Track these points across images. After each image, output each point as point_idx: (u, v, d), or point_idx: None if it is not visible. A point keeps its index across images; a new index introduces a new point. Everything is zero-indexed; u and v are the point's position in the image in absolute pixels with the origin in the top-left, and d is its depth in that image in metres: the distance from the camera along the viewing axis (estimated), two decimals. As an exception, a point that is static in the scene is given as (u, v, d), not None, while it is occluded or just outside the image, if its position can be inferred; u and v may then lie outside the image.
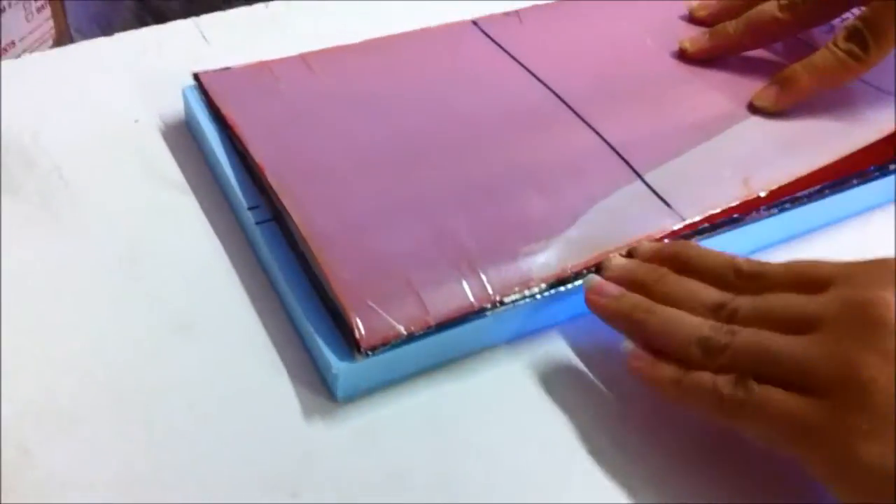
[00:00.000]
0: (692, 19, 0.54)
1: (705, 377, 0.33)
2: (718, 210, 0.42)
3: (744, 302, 0.35)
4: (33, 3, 1.08)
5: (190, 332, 0.38)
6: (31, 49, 1.09)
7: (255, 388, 0.37)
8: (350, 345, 0.36)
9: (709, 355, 0.34)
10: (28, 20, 1.08)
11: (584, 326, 0.40)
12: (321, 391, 0.37)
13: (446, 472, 0.35)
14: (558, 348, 0.39)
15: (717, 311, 0.35)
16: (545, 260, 0.39)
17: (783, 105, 0.47)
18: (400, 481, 0.34)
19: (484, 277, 0.38)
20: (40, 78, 0.50)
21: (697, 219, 0.42)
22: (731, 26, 0.50)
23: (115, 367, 0.37)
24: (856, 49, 0.46)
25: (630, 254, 0.40)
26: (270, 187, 0.41)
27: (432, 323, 0.37)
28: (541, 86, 0.48)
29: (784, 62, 0.50)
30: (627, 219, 0.41)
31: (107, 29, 1.21)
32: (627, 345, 0.36)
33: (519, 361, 0.39)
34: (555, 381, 0.38)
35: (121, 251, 0.41)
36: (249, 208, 0.42)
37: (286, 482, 0.34)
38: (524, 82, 0.48)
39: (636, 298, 0.37)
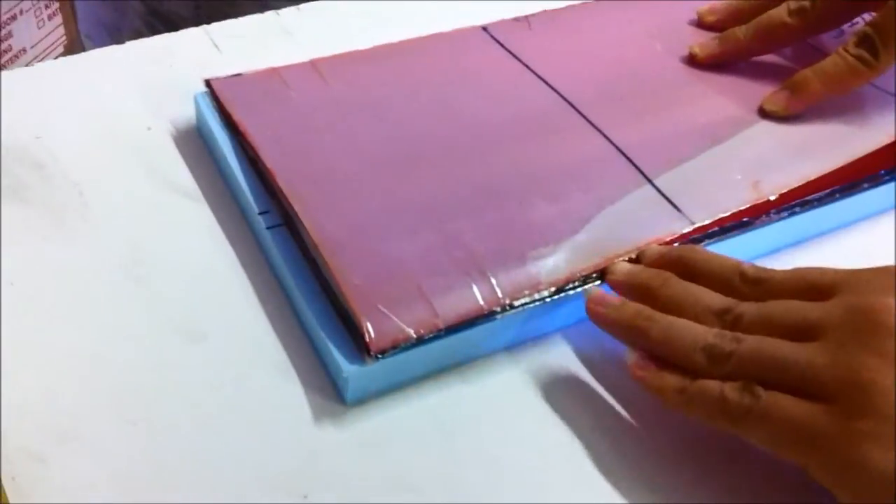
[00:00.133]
0: (701, 24, 0.54)
1: (711, 384, 0.33)
2: (728, 214, 0.42)
3: (748, 308, 0.35)
4: (45, 10, 1.09)
5: (201, 336, 0.38)
6: (42, 56, 1.10)
7: (265, 392, 0.37)
8: (360, 348, 0.36)
9: (714, 362, 0.34)
10: (39, 27, 1.09)
11: (594, 330, 0.40)
12: (331, 395, 0.37)
13: (454, 475, 0.35)
14: (567, 351, 0.39)
15: (721, 317, 0.35)
16: (554, 263, 0.39)
17: (794, 110, 0.47)
18: (408, 484, 0.34)
19: (493, 281, 0.38)
20: (52, 86, 0.50)
21: (707, 222, 0.42)
22: (740, 31, 0.50)
23: (127, 370, 0.37)
24: (866, 55, 0.46)
25: (637, 258, 0.40)
26: (281, 192, 0.41)
27: (442, 326, 0.37)
28: (550, 90, 0.48)
29: (793, 67, 0.50)
30: (637, 222, 0.41)
31: (116, 35, 1.21)
32: (630, 354, 0.36)
33: (528, 365, 0.39)
34: (563, 384, 0.38)
35: (132, 257, 0.41)
36: (260, 213, 0.42)
37: (297, 484, 0.34)
38: (534, 87, 0.49)
39: (637, 307, 0.37)
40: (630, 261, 0.40)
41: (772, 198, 0.43)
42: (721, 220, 0.42)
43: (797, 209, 0.43)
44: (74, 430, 0.35)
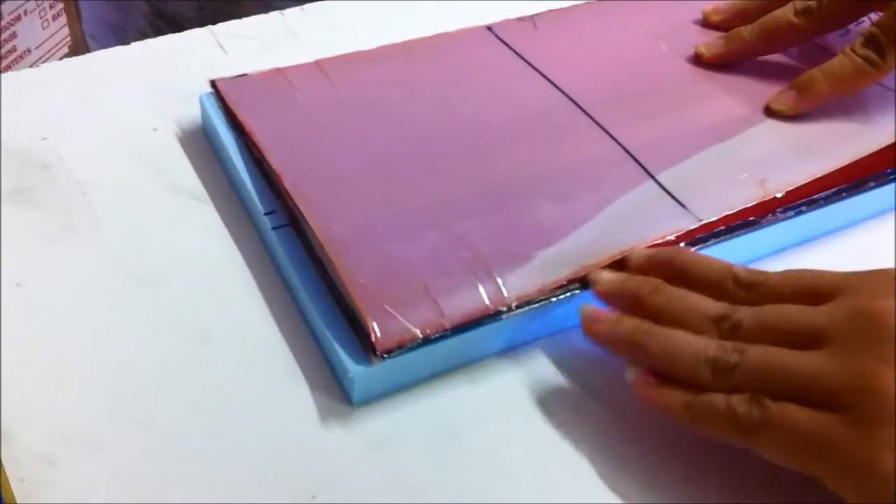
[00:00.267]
0: (706, 23, 0.54)
1: (718, 398, 0.33)
2: (734, 211, 0.42)
3: (746, 314, 0.35)
4: (49, 10, 1.09)
5: (207, 337, 0.38)
6: (47, 56, 1.10)
7: (271, 392, 0.37)
8: (366, 348, 0.36)
9: (719, 376, 0.33)
10: (44, 28, 1.09)
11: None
12: (337, 395, 0.37)
13: (460, 475, 0.35)
14: (574, 351, 0.39)
15: (719, 324, 0.35)
16: (561, 262, 0.39)
17: (801, 109, 0.47)
18: (414, 484, 0.34)
19: (499, 281, 0.38)
20: (58, 87, 0.50)
21: (714, 219, 0.42)
22: (746, 31, 0.50)
23: (134, 371, 0.37)
24: (873, 55, 0.46)
25: (623, 262, 0.39)
26: (287, 193, 0.41)
27: (448, 326, 0.37)
28: (556, 90, 0.48)
29: (798, 66, 0.50)
30: (643, 220, 0.41)
31: (121, 35, 1.22)
32: (630, 373, 0.36)
33: (535, 365, 0.39)
34: (570, 384, 0.38)
35: (138, 258, 0.41)
36: (266, 213, 0.42)
37: (303, 484, 0.34)
38: (539, 87, 0.49)
39: (634, 321, 0.36)
40: (616, 264, 0.39)
41: (778, 196, 0.43)
42: (727, 217, 0.42)
43: (803, 208, 0.43)
44: (81, 432, 0.35)
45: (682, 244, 0.41)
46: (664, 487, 0.35)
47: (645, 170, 0.44)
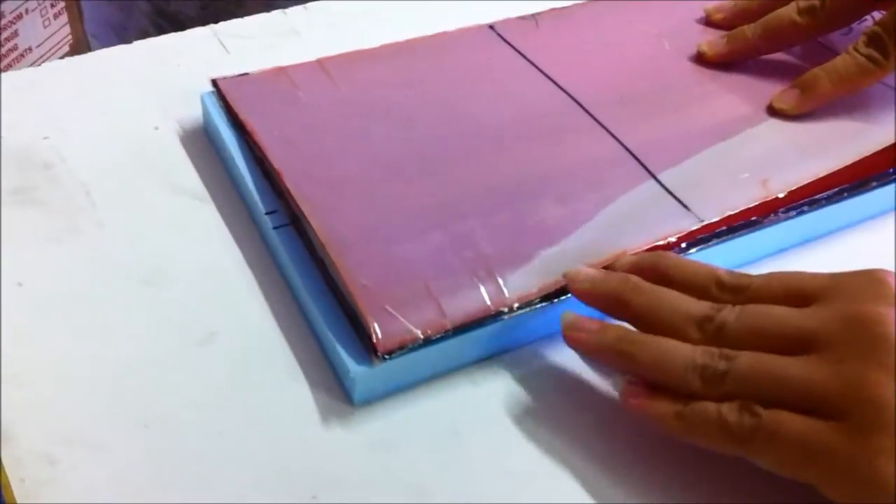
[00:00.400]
0: (708, 22, 0.54)
1: (709, 407, 0.33)
2: (737, 211, 0.42)
3: (730, 315, 0.34)
4: (50, 9, 1.09)
5: (208, 336, 0.38)
6: (48, 55, 1.10)
7: (272, 392, 0.37)
8: (367, 349, 0.36)
9: (709, 384, 0.33)
10: (45, 26, 1.09)
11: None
12: (338, 395, 0.37)
13: (462, 476, 0.35)
14: (576, 352, 0.39)
15: (702, 325, 0.34)
16: (562, 262, 0.39)
17: (803, 109, 0.47)
18: (416, 485, 0.34)
19: (501, 281, 0.38)
20: (59, 86, 0.50)
21: (716, 220, 0.41)
22: (749, 30, 0.50)
23: (135, 371, 0.37)
24: (876, 54, 0.46)
25: (610, 269, 0.39)
26: (288, 193, 0.41)
27: (449, 327, 0.37)
28: (558, 90, 0.48)
29: (801, 65, 0.50)
30: (645, 220, 0.41)
31: (122, 34, 1.22)
32: (618, 384, 0.35)
33: (536, 365, 0.39)
34: (572, 384, 0.38)
35: (139, 257, 0.41)
36: (267, 213, 0.42)
37: (305, 485, 0.34)
38: (541, 86, 0.48)
39: (618, 330, 0.36)
40: (605, 270, 0.39)
41: (780, 196, 0.43)
42: (729, 217, 0.42)
43: (805, 208, 0.43)
44: (82, 432, 0.35)
45: (684, 244, 0.41)
46: (667, 487, 0.35)
47: (647, 169, 0.44)
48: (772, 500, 0.34)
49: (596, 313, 0.38)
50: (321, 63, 0.49)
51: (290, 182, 0.41)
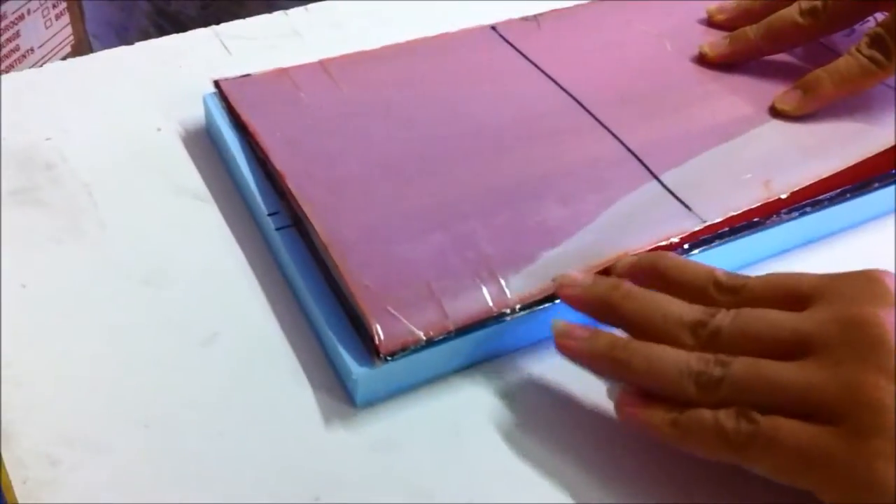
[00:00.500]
0: (710, 23, 0.54)
1: (705, 414, 0.32)
2: (739, 212, 0.42)
3: (724, 320, 0.34)
4: (52, 10, 1.09)
5: (210, 338, 0.38)
6: (49, 56, 1.10)
7: (275, 394, 0.37)
8: (369, 350, 0.36)
9: (704, 390, 0.32)
10: (47, 27, 1.09)
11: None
12: (341, 396, 0.37)
13: (465, 477, 0.35)
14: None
15: (696, 330, 0.34)
16: (564, 264, 0.39)
17: (806, 110, 0.47)
18: (418, 486, 0.34)
19: (503, 282, 0.38)
20: (62, 87, 0.50)
21: (718, 220, 0.41)
22: (751, 31, 0.50)
23: (137, 372, 0.37)
24: (878, 55, 0.46)
25: (607, 271, 0.39)
26: (291, 194, 0.41)
27: (451, 328, 0.37)
28: (560, 90, 0.48)
29: (804, 66, 0.50)
30: (647, 221, 0.41)
31: (123, 35, 1.22)
32: (612, 393, 0.35)
33: (539, 366, 0.39)
34: (576, 384, 0.38)
35: (141, 258, 0.41)
36: (269, 214, 0.42)
37: (307, 486, 0.34)
38: (543, 87, 0.48)
39: (610, 337, 0.35)
40: (602, 273, 0.39)
41: (783, 197, 0.43)
42: (732, 218, 0.42)
43: (808, 209, 0.43)
44: (85, 432, 0.35)
45: (686, 245, 0.41)
46: (669, 487, 0.35)
47: (649, 170, 0.44)
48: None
49: (588, 319, 0.37)
50: (323, 64, 0.49)
51: (292, 183, 0.41)
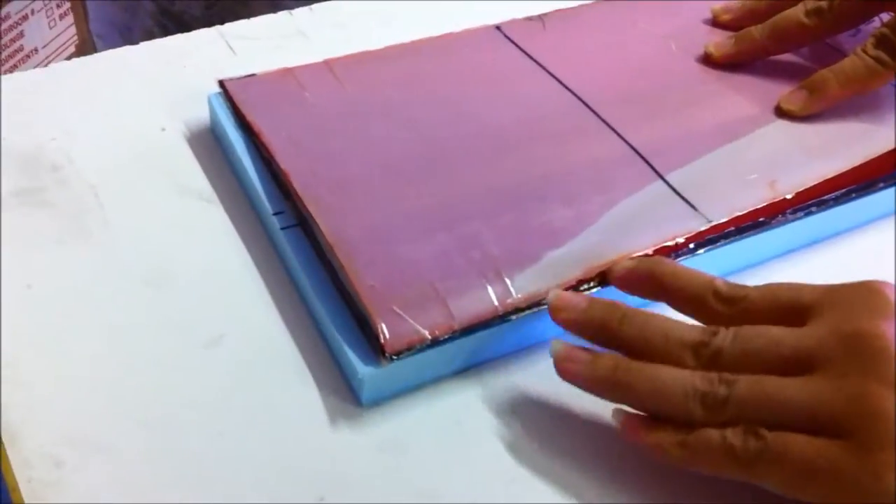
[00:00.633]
0: (715, 23, 0.54)
1: (712, 434, 0.32)
2: (744, 212, 0.42)
3: (725, 340, 0.33)
4: (56, 10, 1.09)
5: (216, 338, 0.38)
6: (53, 56, 1.10)
7: (280, 393, 0.37)
8: (375, 350, 0.36)
9: (711, 411, 0.32)
10: (51, 27, 1.09)
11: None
12: (346, 396, 0.37)
13: (470, 477, 0.35)
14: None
15: (697, 351, 0.34)
16: (570, 263, 0.39)
17: (811, 110, 0.47)
18: (423, 486, 0.34)
19: (508, 282, 0.38)
20: (67, 87, 0.50)
21: (724, 220, 0.41)
22: (756, 31, 0.50)
23: (143, 372, 0.37)
24: (884, 56, 0.46)
25: (601, 275, 0.39)
26: (296, 194, 0.41)
27: (457, 328, 0.37)
28: (564, 90, 0.48)
29: (809, 66, 0.50)
30: (653, 221, 0.41)
31: (127, 35, 1.22)
32: (616, 415, 0.35)
33: (545, 365, 0.38)
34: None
35: (147, 258, 0.41)
36: (274, 214, 0.42)
37: (312, 486, 0.34)
38: (548, 87, 0.48)
39: (612, 359, 0.35)
40: (598, 276, 0.39)
41: (788, 197, 0.43)
42: (737, 218, 0.42)
43: (813, 209, 0.43)
44: (89, 433, 0.35)
45: (691, 245, 0.41)
46: (674, 487, 0.35)
47: (654, 170, 0.44)
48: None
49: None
50: (328, 64, 0.49)
51: (298, 183, 0.41)
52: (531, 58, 0.50)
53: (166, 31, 1.15)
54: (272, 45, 0.54)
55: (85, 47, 1.15)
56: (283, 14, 0.56)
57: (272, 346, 0.38)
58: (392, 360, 0.35)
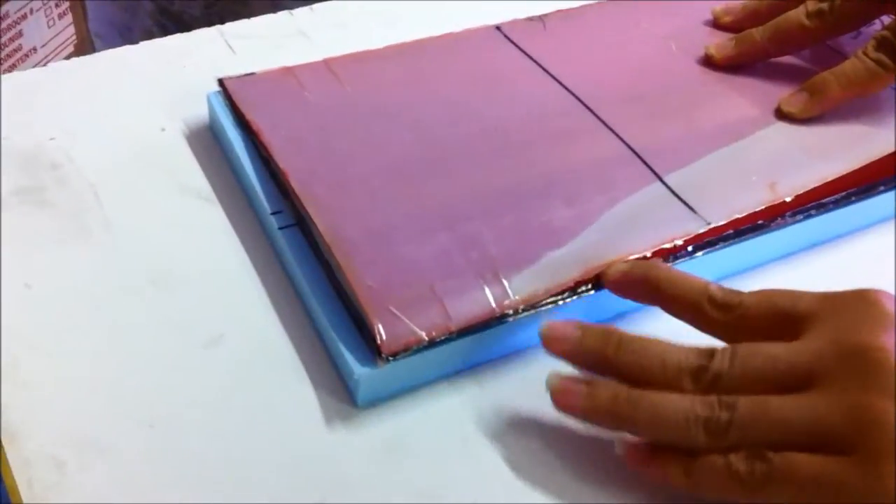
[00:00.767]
0: (716, 24, 0.54)
1: (717, 460, 0.32)
2: (744, 215, 0.42)
3: (723, 364, 0.33)
4: (55, 9, 1.09)
5: (214, 338, 0.38)
6: (52, 55, 1.10)
7: (277, 394, 0.37)
8: (371, 350, 0.36)
9: (714, 436, 0.32)
10: (49, 26, 1.09)
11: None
12: (343, 396, 0.37)
13: (466, 478, 0.35)
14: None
15: (696, 377, 0.33)
16: (568, 264, 0.39)
17: (812, 112, 0.47)
18: (420, 487, 0.34)
19: (506, 283, 0.38)
20: (66, 87, 0.50)
21: (722, 223, 0.41)
22: (757, 33, 0.50)
23: (142, 373, 0.37)
24: (885, 59, 0.46)
25: (598, 277, 0.39)
26: (294, 193, 0.41)
27: (454, 329, 0.36)
28: (564, 91, 0.48)
29: (810, 68, 0.50)
30: (651, 223, 0.41)
31: (126, 34, 1.22)
32: (618, 446, 0.34)
33: (541, 367, 0.38)
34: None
35: (146, 258, 0.41)
36: (273, 213, 0.42)
37: (308, 486, 0.34)
38: (548, 87, 0.48)
39: (610, 388, 0.34)
40: (593, 279, 0.39)
41: (788, 199, 0.43)
42: (736, 221, 0.42)
43: (813, 211, 0.43)
44: (89, 434, 0.35)
45: (690, 247, 0.40)
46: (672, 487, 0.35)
47: (653, 171, 0.44)
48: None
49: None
50: (327, 63, 0.48)
51: (296, 182, 0.41)
52: (531, 58, 0.50)
53: (165, 31, 1.15)
54: (273, 45, 0.54)
55: (84, 47, 1.15)
56: (283, 14, 0.56)
57: (270, 345, 0.38)
58: (388, 360, 0.35)
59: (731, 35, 0.51)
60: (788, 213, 0.42)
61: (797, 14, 0.49)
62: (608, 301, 0.39)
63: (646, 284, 0.37)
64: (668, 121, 0.47)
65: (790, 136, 0.47)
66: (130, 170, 0.46)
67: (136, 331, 0.38)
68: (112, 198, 0.44)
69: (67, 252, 0.41)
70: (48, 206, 0.43)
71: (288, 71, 0.48)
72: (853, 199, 0.44)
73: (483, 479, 0.35)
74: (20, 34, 1.05)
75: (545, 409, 0.37)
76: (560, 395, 0.35)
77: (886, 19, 0.48)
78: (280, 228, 0.41)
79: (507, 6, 0.54)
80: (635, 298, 0.38)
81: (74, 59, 0.53)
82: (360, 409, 0.36)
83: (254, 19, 0.56)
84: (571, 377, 0.35)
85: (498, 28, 0.52)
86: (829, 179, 0.44)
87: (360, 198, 0.41)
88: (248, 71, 0.48)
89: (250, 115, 0.45)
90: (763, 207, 0.42)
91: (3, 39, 1.02)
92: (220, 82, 0.47)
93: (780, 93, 0.48)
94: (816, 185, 0.43)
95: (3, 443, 0.34)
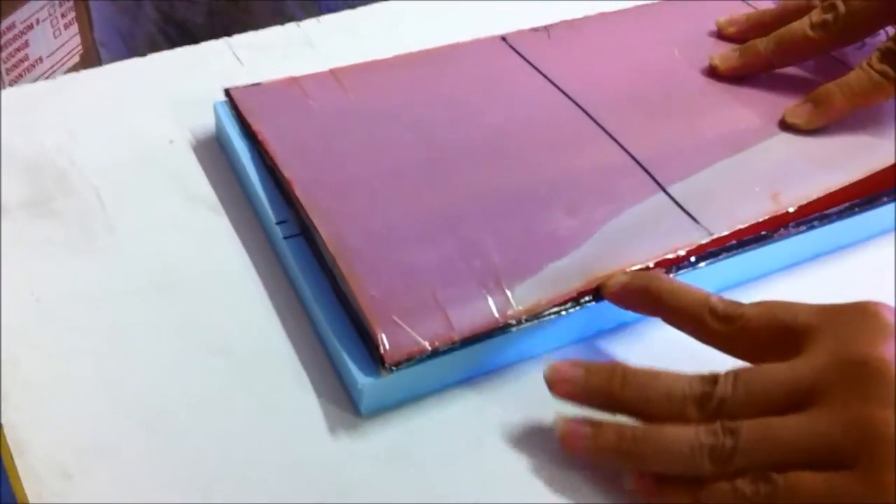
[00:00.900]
0: (721, 35, 0.54)
1: (724, 486, 0.32)
2: (747, 225, 0.42)
3: (727, 390, 0.33)
4: (61, 19, 1.10)
5: (219, 346, 0.38)
6: (59, 65, 1.11)
7: (281, 403, 0.37)
8: (375, 360, 0.36)
9: (719, 464, 0.32)
10: (56, 36, 1.10)
11: (608, 341, 0.40)
12: (346, 406, 0.37)
13: (470, 487, 0.35)
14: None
15: (701, 405, 0.33)
16: (570, 274, 0.39)
17: (816, 124, 0.47)
18: (423, 496, 0.34)
19: (509, 293, 0.38)
20: (75, 98, 0.50)
21: (725, 233, 0.41)
22: (761, 44, 0.50)
23: (148, 382, 0.37)
24: (890, 70, 0.46)
25: (598, 289, 0.39)
26: (299, 202, 0.41)
27: (457, 338, 0.37)
28: (568, 101, 0.48)
29: (814, 79, 0.50)
30: (654, 233, 0.41)
31: (130, 42, 1.22)
32: (628, 482, 0.34)
33: (542, 377, 0.38)
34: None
35: (153, 268, 0.41)
36: (278, 223, 0.42)
37: (312, 495, 0.34)
38: (552, 98, 0.48)
39: (615, 429, 0.34)
40: (593, 290, 0.39)
41: (791, 210, 0.43)
42: (739, 231, 0.42)
43: (816, 222, 0.43)
44: (96, 441, 0.35)
45: (693, 258, 0.40)
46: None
47: (656, 182, 0.44)
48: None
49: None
50: (333, 73, 0.49)
51: (301, 191, 0.41)
52: (536, 68, 0.50)
53: (169, 39, 1.15)
54: (279, 56, 0.54)
55: (89, 56, 1.15)
56: (290, 25, 0.56)
57: (274, 354, 0.38)
58: (392, 370, 0.35)
59: (735, 46, 0.51)
60: (791, 224, 0.42)
61: (801, 25, 0.49)
62: (610, 311, 0.39)
63: (646, 296, 0.37)
64: (671, 131, 0.47)
65: (794, 146, 0.47)
66: (138, 180, 0.46)
67: (142, 338, 0.39)
68: (119, 207, 0.44)
69: (75, 262, 0.42)
70: (56, 215, 0.44)
71: (293, 81, 0.48)
72: (856, 210, 0.44)
73: (486, 488, 0.35)
74: (27, 44, 1.05)
75: (547, 418, 0.37)
76: (567, 438, 0.35)
77: (891, 30, 0.49)
78: (285, 238, 0.41)
79: (512, 17, 0.55)
80: (636, 310, 0.38)
81: (83, 71, 0.53)
82: (363, 418, 0.37)
83: (261, 31, 0.56)
84: (577, 420, 0.35)
85: (503, 38, 0.52)
86: (833, 190, 0.44)
87: (364, 207, 0.41)
88: (256, 81, 0.48)
89: (256, 125, 0.45)
90: (766, 218, 0.42)
91: (10, 50, 1.03)
92: (227, 92, 0.47)
93: (784, 104, 0.48)
94: (819, 196, 0.43)
95: (11, 451, 0.34)
